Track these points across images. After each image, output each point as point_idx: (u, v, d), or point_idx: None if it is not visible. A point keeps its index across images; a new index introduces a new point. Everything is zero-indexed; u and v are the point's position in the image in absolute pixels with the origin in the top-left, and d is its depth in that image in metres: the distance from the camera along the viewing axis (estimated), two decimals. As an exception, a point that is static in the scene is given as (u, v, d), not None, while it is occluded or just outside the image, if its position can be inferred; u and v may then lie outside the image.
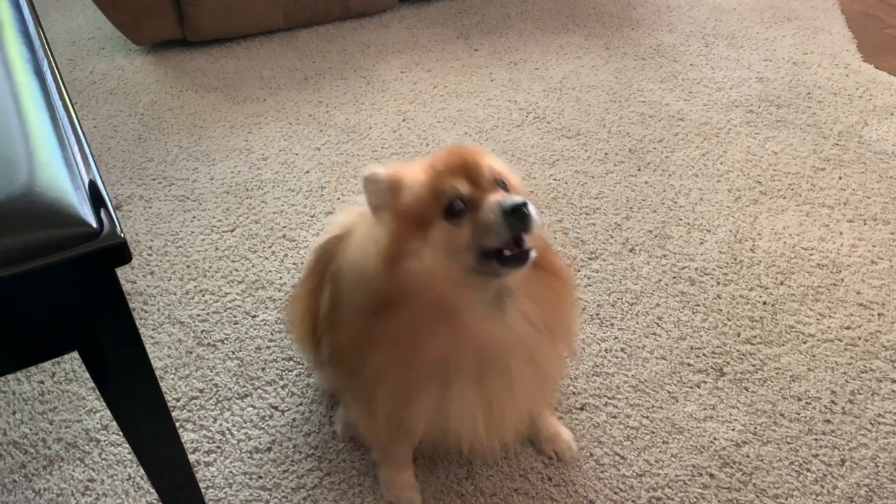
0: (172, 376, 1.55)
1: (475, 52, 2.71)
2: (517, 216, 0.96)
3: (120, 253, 0.80)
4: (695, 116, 2.33)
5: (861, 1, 3.08)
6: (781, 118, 2.33)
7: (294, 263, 1.81)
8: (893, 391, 1.50)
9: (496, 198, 0.98)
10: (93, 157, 0.88)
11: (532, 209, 0.97)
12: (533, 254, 0.99)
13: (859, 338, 1.61)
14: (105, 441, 1.43)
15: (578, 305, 1.22)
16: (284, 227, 1.93)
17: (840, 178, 2.07)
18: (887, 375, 1.53)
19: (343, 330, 1.14)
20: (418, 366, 1.06)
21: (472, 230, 0.98)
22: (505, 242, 0.98)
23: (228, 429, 1.45)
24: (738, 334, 1.62)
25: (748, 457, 1.39)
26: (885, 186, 2.04)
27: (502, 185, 1.03)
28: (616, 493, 1.33)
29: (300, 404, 1.50)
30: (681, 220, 1.93)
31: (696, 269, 1.78)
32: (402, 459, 1.34)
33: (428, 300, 1.02)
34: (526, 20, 2.92)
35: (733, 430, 1.43)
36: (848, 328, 1.63)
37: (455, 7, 3.01)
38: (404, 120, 2.34)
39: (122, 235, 0.79)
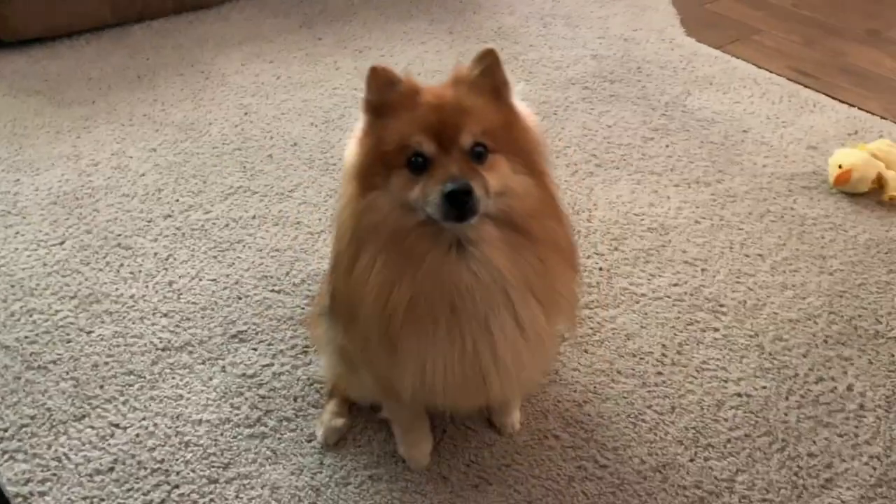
0: (-1, 405, 1.45)
1: (319, 41, 2.68)
2: (455, 201, 0.98)
3: None
4: (535, 96, 2.41)
5: (682, -21, 3.28)
6: (614, 93, 2.46)
7: (131, 273, 1.73)
8: (715, 339, 1.63)
9: (445, 174, 1.00)
10: None
11: (477, 193, 0.99)
12: (472, 219, 1.01)
13: (685, 293, 1.74)
14: (-79, 484, 1.31)
15: (577, 279, 1.21)
16: (119, 234, 1.83)
17: (667, 146, 2.22)
18: (710, 325, 1.66)
19: (337, 273, 1.13)
20: (393, 307, 1.06)
21: (421, 191, 1.01)
22: (443, 217, 1.01)
23: (65, 454, 1.38)
24: (579, 300, 1.70)
25: (589, 415, 1.47)
26: (706, 151, 2.20)
27: (480, 152, 1.04)
28: (468, 466, 1.37)
29: (143, 419, 1.44)
30: (523, 196, 2.00)
31: (538, 242, 1.85)
32: (412, 418, 1.34)
33: (385, 240, 1.04)
34: (370, 7, 2.91)
35: (575, 391, 1.51)
36: (675, 285, 1.76)
37: (297, -4, 2.96)
38: (246, 114, 2.28)
39: None
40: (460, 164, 1.02)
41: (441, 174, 1.01)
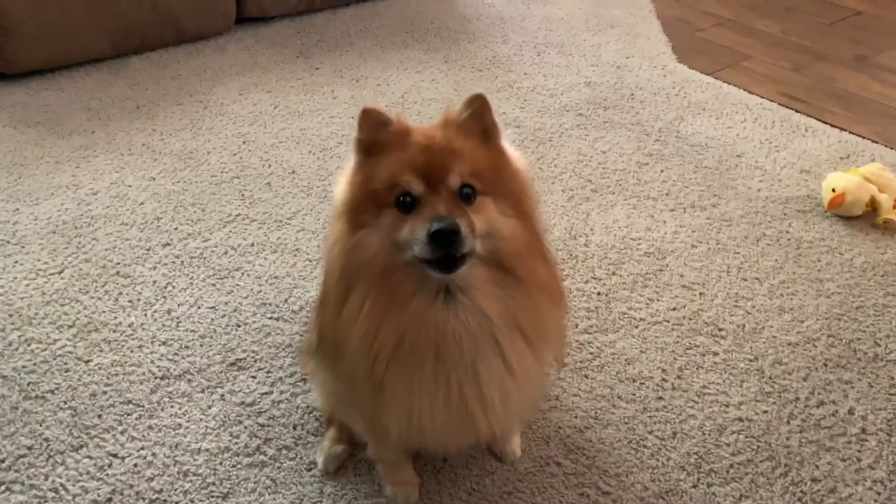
0: (-5, 436, 1.44)
1: (316, 70, 2.71)
2: (441, 240, 0.98)
3: None
4: (530, 123, 2.44)
5: (674, 7, 3.35)
6: (608, 119, 2.48)
7: (129, 301, 1.73)
8: (715, 363, 1.63)
9: (432, 213, 1.00)
10: None
11: (464, 232, 0.99)
12: (460, 270, 1.01)
13: (684, 317, 1.74)
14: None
15: (564, 316, 1.22)
16: (118, 263, 1.83)
17: (662, 171, 2.24)
18: (709, 349, 1.66)
19: (325, 311, 1.13)
20: (379, 348, 1.06)
21: (409, 230, 1.02)
22: (430, 256, 1.00)
23: (62, 484, 1.36)
24: (577, 325, 1.70)
25: (591, 441, 1.47)
26: (701, 176, 2.22)
27: (468, 193, 1.04)
28: (469, 495, 1.36)
29: (142, 448, 1.42)
30: (520, 222, 2.01)
31: (536, 267, 1.86)
32: (396, 458, 1.33)
33: (374, 279, 1.05)
34: (366, 37, 2.95)
35: (576, 417, 1.51)
36: (674, 309, 1.76)
37: (294, 27, 3.00)
38: (244, 142, 2.30)
39: None
40: (448, 204, 1.02)
41: (428, 213, 1.01)
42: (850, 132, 2.42)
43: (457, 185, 1.04)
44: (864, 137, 2.40)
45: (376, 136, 1.07)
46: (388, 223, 1.04)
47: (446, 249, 0.99)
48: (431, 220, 0.99)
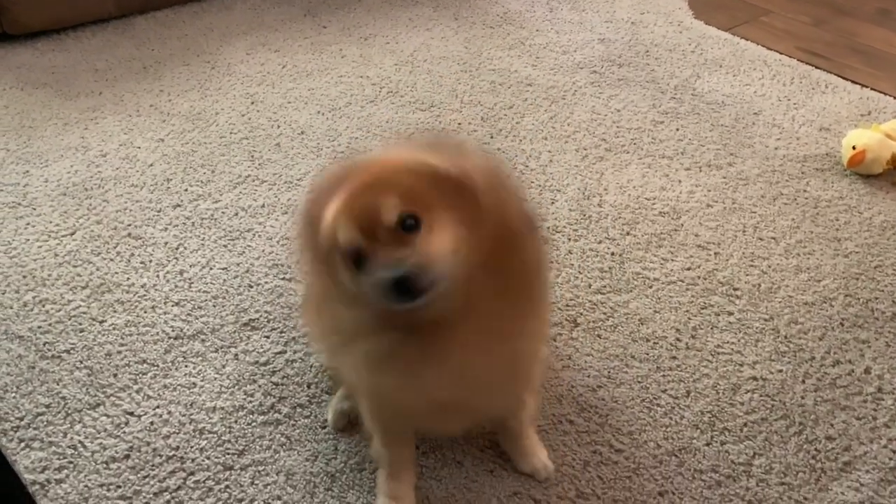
0: (13, 395, 1.45)
1: (324, 29, 2.66)
2: (397, 294, 0.90)
3: None
4: (542, 81, 2.40)
5: (690, -39, 3.25)
6: (623, 77, 2.43)
7: (142, 262, 1.73)
8: (730, 323, 1.62)
9: (381, 262, 0.91)
10: None
11: (415, 274, 0.89)
12: (421, 299, 0.91)
13: (699, 277, 1.72)
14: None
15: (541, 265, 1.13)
16: (129, 224, 1.83)
17: (677, 129, 2.20)
18: (724, 309, 1.65)
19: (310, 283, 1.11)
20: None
21: (365, 289, 0.94)
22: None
23: (81, 441, 1.38)
24: (590, 286, 1.69)
25: (603, 400, 1.46)
26: (717, 134, 2.18)
27: (411, 224, 0.92)
28: (482, 452, 1.37)
29: (157, 406, 1.43)
30: (532, 182, 1.99)
31: (549, 227, 1.84)
32: (397, 462, 1.27)
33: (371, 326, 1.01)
34: (375, -6, 2.89)
35: (589, 376, 1.50)
36: (689, 269, 1.74)
37: (301, -16, 2.94)
38: (253, 103, 2.27)
39: None
40: (389, 249, 0.91)
41: (373, 266, 0.92)
42: (871, 88, 2.36)
43: (393, 218, 0.91)
44: (886, 94, 2.34)
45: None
46: (346, 282, 0.96)
47: (410, 297, 0.90)
48: (379, 278, 0.90)
